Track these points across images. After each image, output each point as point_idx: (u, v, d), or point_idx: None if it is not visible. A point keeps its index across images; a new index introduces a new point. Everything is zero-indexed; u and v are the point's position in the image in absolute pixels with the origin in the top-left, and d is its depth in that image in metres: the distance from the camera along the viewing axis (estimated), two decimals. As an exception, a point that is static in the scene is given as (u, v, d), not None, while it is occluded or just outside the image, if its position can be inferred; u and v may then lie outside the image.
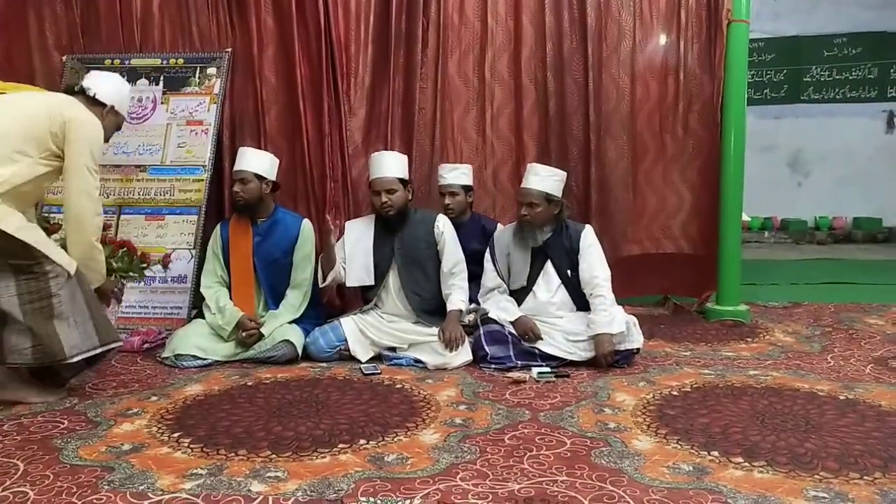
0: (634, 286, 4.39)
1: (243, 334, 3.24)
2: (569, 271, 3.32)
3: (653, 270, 4.50)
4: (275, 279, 3.46)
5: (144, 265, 3.26)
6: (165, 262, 3.44)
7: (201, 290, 3.46)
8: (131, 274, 3.21)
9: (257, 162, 3.44)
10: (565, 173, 3.40)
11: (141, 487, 1.92)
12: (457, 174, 3.75)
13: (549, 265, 3.34)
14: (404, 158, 3.50)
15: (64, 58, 4.15)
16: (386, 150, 3.99)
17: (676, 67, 4.28)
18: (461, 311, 3.33)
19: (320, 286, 3.46)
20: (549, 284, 3.34)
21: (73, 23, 4.20)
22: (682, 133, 4.31)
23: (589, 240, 3.31)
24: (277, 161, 3.57)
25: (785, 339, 3.75)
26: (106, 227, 3.27)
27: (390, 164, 3.38)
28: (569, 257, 3.32)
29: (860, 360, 3.28)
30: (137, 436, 2.32)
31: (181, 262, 3.77)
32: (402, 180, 3.38)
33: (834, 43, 9.51)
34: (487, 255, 3.43)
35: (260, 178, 3.40)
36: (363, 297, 3.52)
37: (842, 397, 2.69)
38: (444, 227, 3.45)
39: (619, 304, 3.27)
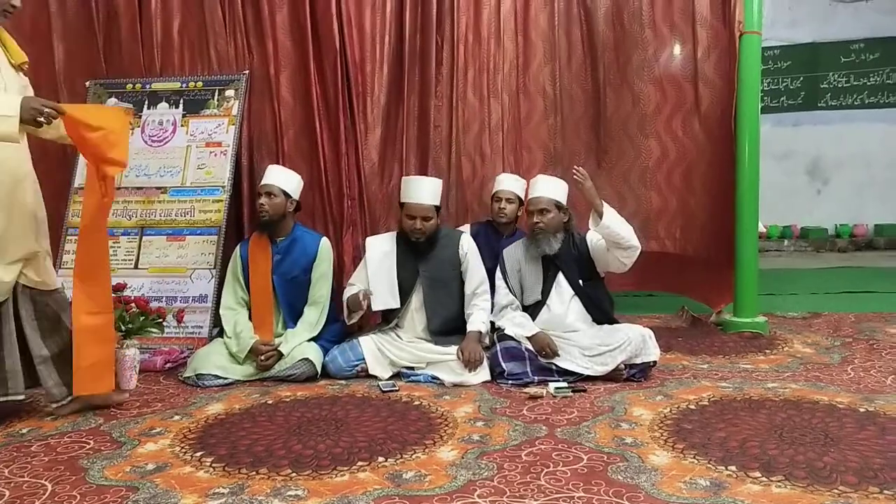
0: (648, 282, 4.58)
1: (261, 358, 3.27)
2: (581, 281, 3.34)
3: (667, 269, 4.57)
4: (293, 297, 3.50)
5: (160, 319, 3.31)
6: (179, 318, 3.47)
7: (220, 311, 3.50)
8: (151, 330, 3.28)
9: (285, 179, 3.52)
10: (567, 184, 3.41)
11: (165, 507, 1.97)
12: (519, 185, 3.79)
13: (560, 277, 3.36)
14: (440, 184, 3.54)
15: (87, 83, 4.26)
16: (402, 168, 4.07)
17: (689, 77, 4.33)
18: (481, 332, 3.35)
19: (348, 323, 3.49)
20: (562, 297, 3.36)
21: (95, 49, 4.31)
22: (691, 141, 4.36)
23: (594, 239, 3.32)
24: (303, 183, 3.63)
25: (804, 350, 3.72)
26: (120, 288, 3.32)
27: (429, 191, 3.41)
28: (579, 267, 3.34)
29: (881, 371, 3.25)
30: (161, 455, 2.36)
31: (202, 282, 3.83)
32: (436, 207, 3.42)
33: (851, 49, 9.44)
34: (498, 273, 3.45)
35: (286, 194, 3.47)
36: (384, 317, 3.55)
37: (861, 410, 2.67)
38: (468, 247, 3.49)
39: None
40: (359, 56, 4.15)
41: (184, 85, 4.22)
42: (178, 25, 4.28)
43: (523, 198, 3.80)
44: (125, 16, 4.25)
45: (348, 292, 3.46)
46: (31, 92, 2.73)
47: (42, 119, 2.48)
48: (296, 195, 3.54)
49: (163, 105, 4.20)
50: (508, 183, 3.81)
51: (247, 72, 4.18)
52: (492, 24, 4.32)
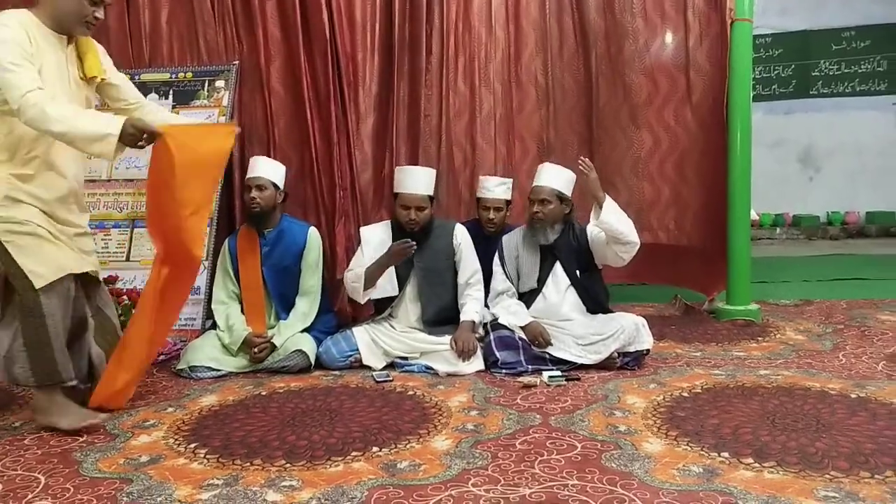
0: (642, 274, 4.64)
1: (254, 350, 3.27)
2: (577, 272, 3.34)
3: (660, 260, 4.57)
4: (284, 288, 3.49)
5: None
6: None
7: (212, 306, 3.49)
8: None
9: (274, 170, 3.50)
10: (575, 175, 3.40)
11: (159, 499, 1.96)
12: (504, 189, 3.71)
13: (557, 266, 3.36)
14: (434, 174, 3.52)
15: (75, 75, 4.21)
16: (393, 157, 4.05)
17: (680, 65, 4.33)
18: (474, 322, 3.36)
19: (361, 302, 3.45)
20: (558, 286, 3.36)
21: (83, 40, 4.26)
22: (683, 130, 4.36)
23: (594, 231, 3.31)
24: (287, 173, 3.62)
25: (796, 337, 3.74)
26: (112, 280, 3.28)
27: (423, 181, 3.40)
28: (577, 258, 3.35)
29: (872, 358, 3.27)
30: (155, 447, 2.36)
31: (194, 274, 3.81)
32: (430, 197, 3.41)
33: (842, 37, 9.46)
34: (496, 259, 3.46)
35: (275, 186, 3.46)
36: (377, 307, 3.55)
37: (853, 395, 2.69)
38: (461, 238, 3.48)
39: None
40: (349, 45, 4.12)
41: (173, 76, 4.19)
42: (167, 16, 4.23)
43: (513, 196, 3.79)
44: (113, 6, 4.19)
45: (351, 273, 3.42)
46: (129, 88, 2.82)
47: (143, 143, 2.50)
48: (282, 185, 3.52)
49: (152, 96, 4.14)
50: (495, 190, 3.70)
51: (237, 62, 4.15)
52: (483, 12, 4.30)
